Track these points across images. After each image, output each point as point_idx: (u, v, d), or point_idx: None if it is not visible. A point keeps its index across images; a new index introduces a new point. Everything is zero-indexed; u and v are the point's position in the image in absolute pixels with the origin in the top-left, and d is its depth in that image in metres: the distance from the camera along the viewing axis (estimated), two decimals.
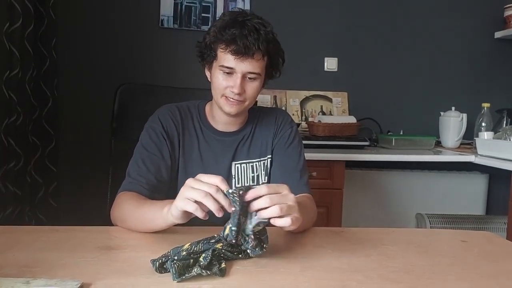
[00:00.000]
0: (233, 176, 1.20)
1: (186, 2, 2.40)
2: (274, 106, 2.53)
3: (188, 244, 0.77)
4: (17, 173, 1.86)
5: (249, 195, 0.77)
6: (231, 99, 1.10)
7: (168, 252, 0.75)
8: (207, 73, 1.18)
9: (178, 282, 0.70)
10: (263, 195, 0.78)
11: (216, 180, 0.79)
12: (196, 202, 0.78)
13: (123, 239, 0.92)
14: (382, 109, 2.62)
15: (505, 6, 2.58)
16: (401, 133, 2.52)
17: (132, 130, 1.65)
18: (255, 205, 0.78)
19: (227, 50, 1.06)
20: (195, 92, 1.80)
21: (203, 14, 2.43)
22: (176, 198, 0.82)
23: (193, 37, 2.37)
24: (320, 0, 2.57)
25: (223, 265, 0.76)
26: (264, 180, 1.23)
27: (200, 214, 0.79)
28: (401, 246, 0.97)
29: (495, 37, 2.66)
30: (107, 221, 1.07)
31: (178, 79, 2.33)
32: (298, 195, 1.15)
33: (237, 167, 1.21)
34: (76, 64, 2.36)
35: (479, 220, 2.46)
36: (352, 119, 2.36)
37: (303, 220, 0.91)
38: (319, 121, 2.30)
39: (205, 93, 1.70)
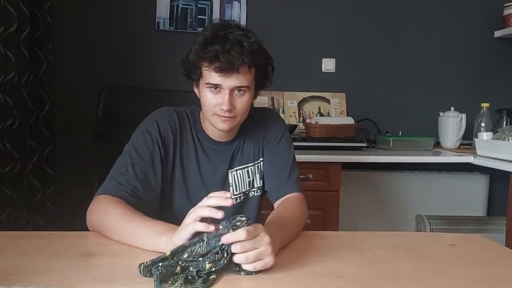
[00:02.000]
0: (231, 184, 1.19)
1: (182, 4, 2.40)
2: (271, 107, 2.51)
3: (169, 252, 0.76)
4: (14, 177, 1.87)
5: (226, 239, 0.75)
6: (222, 117, 1.07)
7: (157, 258, 0.74)
8: (196, 90, 1.15)
9: None
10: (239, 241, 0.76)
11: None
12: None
13: (104, 244, 0.91)
14: (380, 110, 2.60)
15: (505, 5, 2.56)
16: (400, 134, 2.50)
17: (117, 133, 1.63)
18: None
19: (211, 67, 1.03)
20: (188, 95, 1.79)
21: (199, 16, 2.42)
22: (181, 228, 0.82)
23: (189, 40, 2.38)
24: (317, 1, 2.56)
25: (212, 276, 0.74)
26: (259, 184, 1.22)
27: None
28: (388, 250, 0.95)
29: (495, 36, 2.63)
30: None
31: (174, 82, 2.31)
32: (285, 200, 1.14)
33: (233, 174, 1.20)
34: (73, 67, 2.36)
35: (479, 221, 2.43)
36: (350, 120, 2.34)
37: (286, 237, 0.94)
38: (316, 122, 2.29)
39: (194, 95, 1.70)
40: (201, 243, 0.76)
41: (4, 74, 1.79)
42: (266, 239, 0.78)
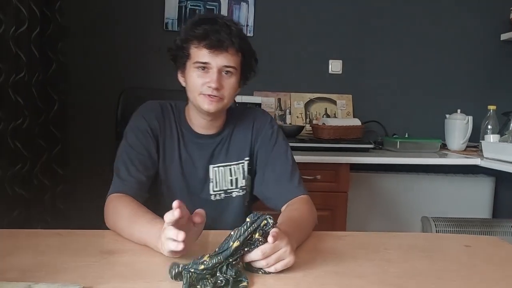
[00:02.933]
0: (211, 180, 1.19)
1: (190, 5, 2.40)
2: (278, 108, 2.52)
3: (206, 256, 0.74)
4: (24, 175, 1.88)
5: (254, 255, 0.76)
6: (209, 96, 1.07)
7: (188, 264, 0.73)
8: (181, 79, 1.16)
9: None
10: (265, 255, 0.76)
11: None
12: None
13: (124, 242, 0.92)
14: (387, 112, 2.61)
15: None
16: (406, 135, 2.50)
17: None
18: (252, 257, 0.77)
19: (201, 45, 1.05)
20: None
21: None
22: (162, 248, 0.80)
23: None
24: (325, 3, 2.57)
25: (243, 283, 0.73)
26: (243, 183, 1.21)
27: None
28: (404, 251, 0.96)
29: (501, 39, 2.64)
30: None
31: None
32: (292, 202, 1.12)
33: (215, 170, 1.19)
34: (82, 67, 2.37)
35: (485, 223, 2.43)
36: (357, 122, 2.35)
37: (300, 236, 0.94)
38: (324, 123, 2.30)
39: None
40: (230, 243, 0.76)
41: (16, 73, 1.80)
42: (284, 240, 0.79)
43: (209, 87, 1.06)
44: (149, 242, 0.87)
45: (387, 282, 0.77)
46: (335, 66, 2.58)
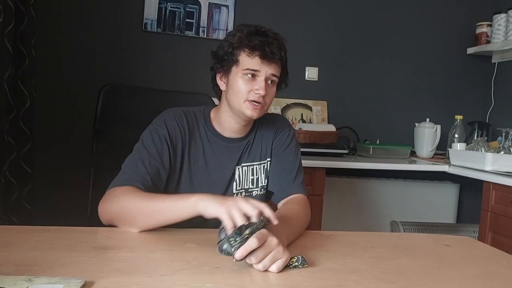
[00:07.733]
0: (235, 179, 1.22)
1: (170, 7, 2.40)
2: None
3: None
4: None
5: (241, 254, 0.77)
6: (254, 103, 1.11)
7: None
8: (220, 82, 1.18)
9: None
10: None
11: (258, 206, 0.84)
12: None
13: (117, 239, 0.91)
14: (360, 119, 2.69)
15: (477, 24, 2.71)
16: (377, 142, 2.59)
17: (115, 131, 1.64)
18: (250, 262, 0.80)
19: (254, 54, 1.10)
20: (179, 95, 1.80)
21: (187, 20, 2.43)
22: (222, 205, 0.84)
23: (176, 42, 2.44)
24: (303, 11, 2.62)
25: None
26: (264, 183, 1.25)
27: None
28: (390, 249, 1.00)
29: (467, 53, 2.78)
30: (85, 225, 1.04)
31: (160, 82, 2.32)
32: (289, 201, 1.17)
33: (239, 170, 1.23)
34: (56, 65, 2.31)
35: (450, 228, 2.54)
36: (332, 128, 2.41)
37: (291, 233, 0.97)
38: (300, 128, 2.34)
39: (186, 96, 1.72)
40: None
41: None
42: (274, 241, 0.81)
43: (257, 93, 1.10)
44: (176, 205, 0.92)
45: (378, 277, 0.81)
46: (311, 73, 2.64)
